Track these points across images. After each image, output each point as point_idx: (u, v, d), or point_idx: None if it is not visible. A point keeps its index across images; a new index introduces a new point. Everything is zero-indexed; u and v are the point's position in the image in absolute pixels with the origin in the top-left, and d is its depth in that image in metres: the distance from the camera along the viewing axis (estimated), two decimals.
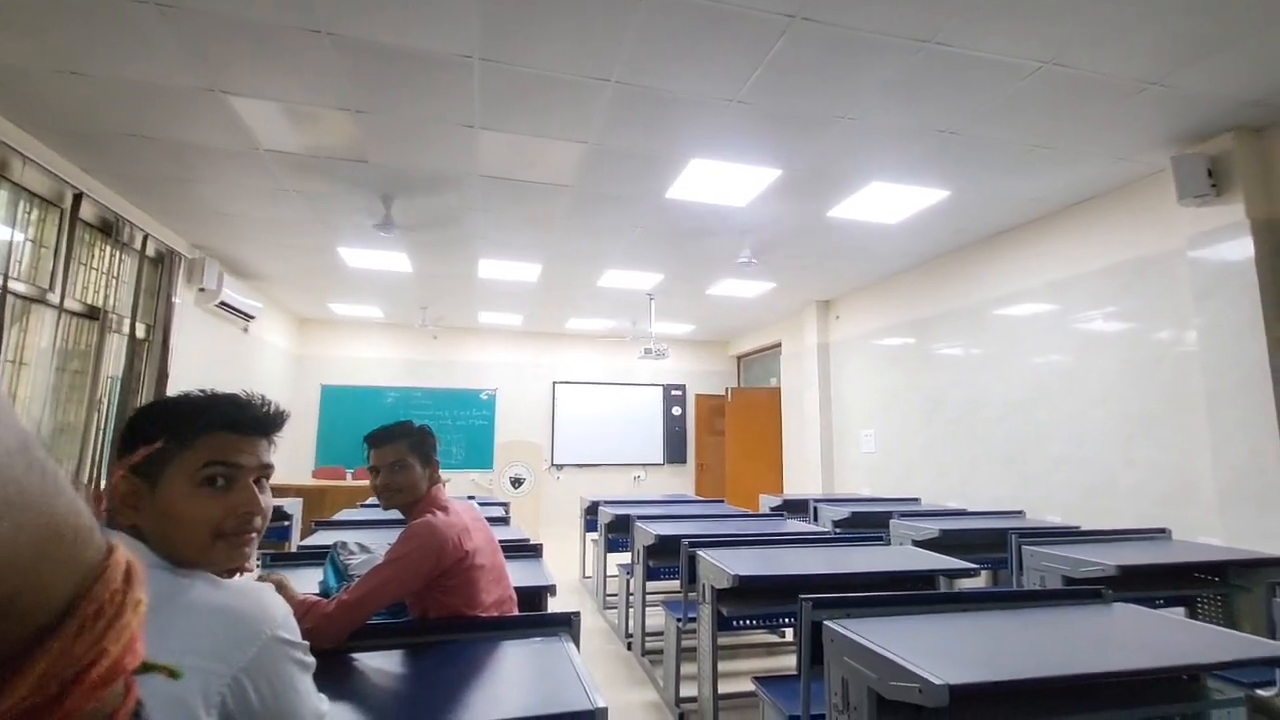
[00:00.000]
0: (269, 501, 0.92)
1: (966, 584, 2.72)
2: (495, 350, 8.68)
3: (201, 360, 5.11)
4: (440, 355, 8.45)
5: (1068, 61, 2.48)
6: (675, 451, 9.04)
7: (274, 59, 2.49)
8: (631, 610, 3.60)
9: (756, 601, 2.39)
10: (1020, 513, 4.05)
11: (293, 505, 4.53)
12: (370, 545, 2.08)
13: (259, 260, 5.36)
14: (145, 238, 4.26)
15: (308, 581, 1.99)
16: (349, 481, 7.13)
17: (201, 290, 5.04)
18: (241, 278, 5.71)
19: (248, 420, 0.89)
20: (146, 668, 0.33)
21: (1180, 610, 2.66)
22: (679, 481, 8.95)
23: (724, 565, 2.27)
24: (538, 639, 1.49)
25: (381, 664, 1.38)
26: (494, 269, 5.54)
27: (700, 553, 2.51)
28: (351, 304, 7.11)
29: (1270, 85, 2.63)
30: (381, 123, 2.99)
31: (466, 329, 8.51)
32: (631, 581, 3.59)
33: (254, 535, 0.88)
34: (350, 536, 2.20)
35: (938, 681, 1.18)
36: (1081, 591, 1.91)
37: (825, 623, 1.59)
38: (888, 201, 3.92)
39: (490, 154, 3.32)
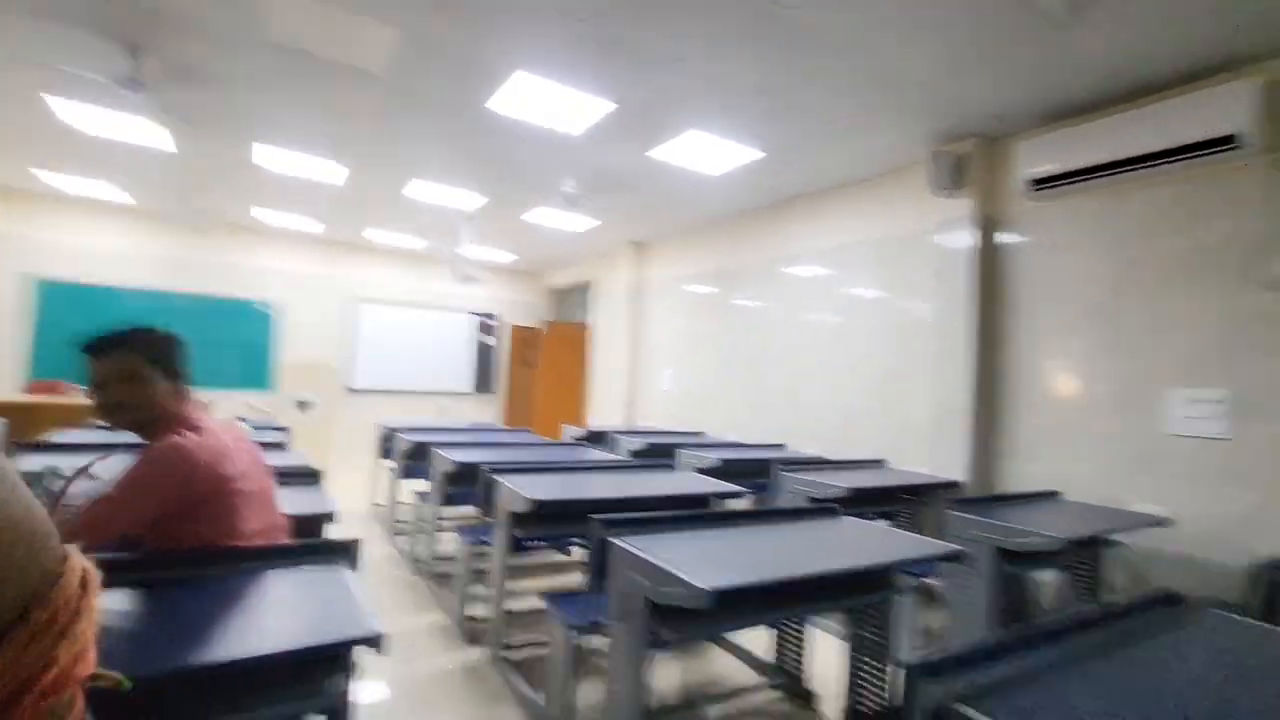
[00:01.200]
0: None
1: (740, 506, 3.10)
2: (282, 256, 7.59)
3: None
4: (211, 256, 7.18)
5: (873, 48, 2.75)
6: (484, 381, 8.86)
7: None
8: (424, 537, 3.54)
9: (551, 524, 2.49)
10: (783, 445, 4.69)
11: None
12: (99, 472, 1.75)
13: None
14: None
15: None
16: (65, 399, 5.87)
17: None
18: None
19: None
20: (95, 678, 0.33)
21: (884, 522, 3.32)
22: (486, 412, 8.83)
23: (521, 490, 2.32)
24: (311, 567, 1.40)
25: (115, 604, 1.19)
26: (278, 159, 4.77)
27: (499, 478, 2.53)
28: (76, 176, 5.64)
29: (1005, 101, 3.19)
30: None
31: (245, 228, 7.30)
32: (426, 508, 3.51)
33: None
34: (69, 461, 1.83)
35: (702, 586, 1.35)
36: (821, 509, 2.29)
37: (610, 539, 1.71)
38: (708, 152, 4.09)
39: (283, 17, 2.79)
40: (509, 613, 2.63)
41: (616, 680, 1.65)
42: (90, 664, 0.32)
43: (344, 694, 1.12)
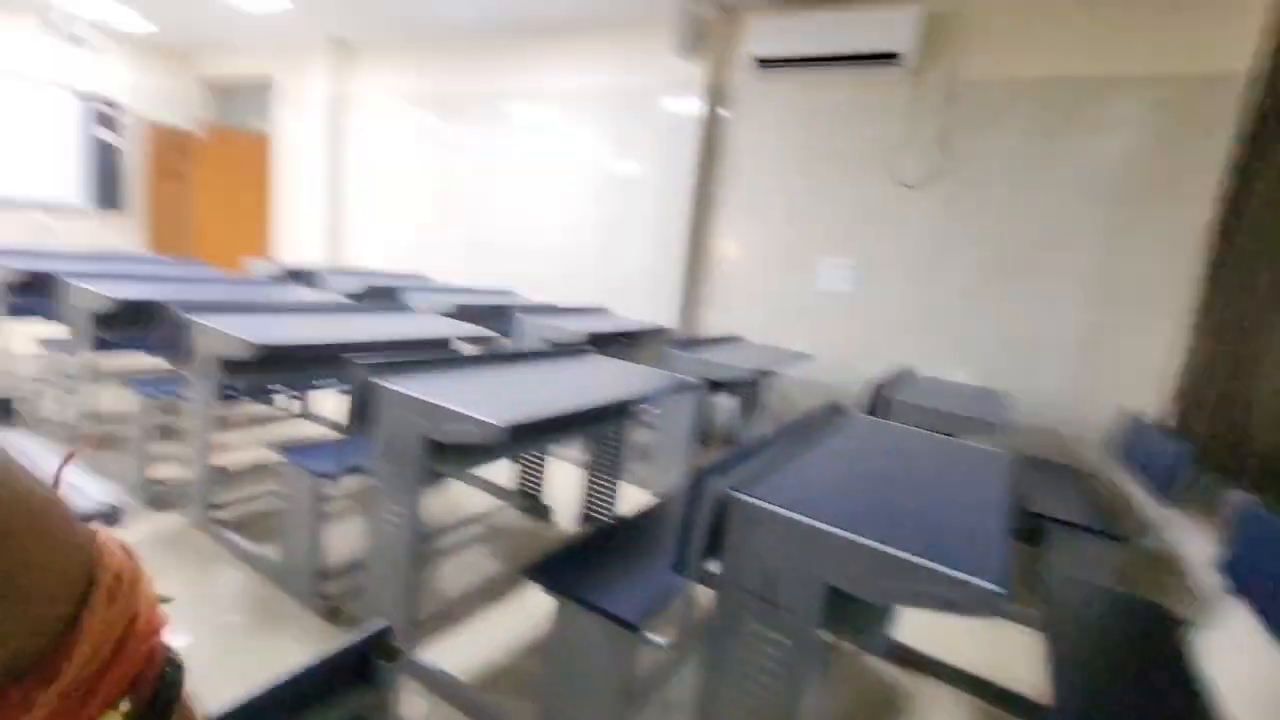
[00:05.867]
0: None
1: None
2: None
3: None
4: None
5: None
6: (106, 195, 6.65)
7: None
8: (72, 397, 2.73)
9: (271, 372, 2.17)
10: (510, 291, 4.74)
11: None
12: None
13: None
14: None
15: None
16: None
17: None
18: None
19: None
20: None
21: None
22: (115, 236, 6.74)
23: (238, 333, 1.94)
24: None
25: None
26: None
27: (200, 319, 2.06)
28: None
29: None
30: None
31: None
32: (69, 361, 2.68)
33: None
34: None
35: (496, 423, 1.37)
36: (574, 349, 2.46)
37: (377, 383, 1.59)
38: None
39: None
40: (213, 470, 2.28)
41: (389, 519, 1.62)
42: (162, 614, 0.35)
43: None
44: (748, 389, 3.69)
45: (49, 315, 2.75)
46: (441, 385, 1.67)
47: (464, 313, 3.55)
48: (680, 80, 3.89)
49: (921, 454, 1.59)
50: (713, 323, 4.07)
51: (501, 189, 4.92)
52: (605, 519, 2.50)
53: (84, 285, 2.41)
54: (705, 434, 3.84)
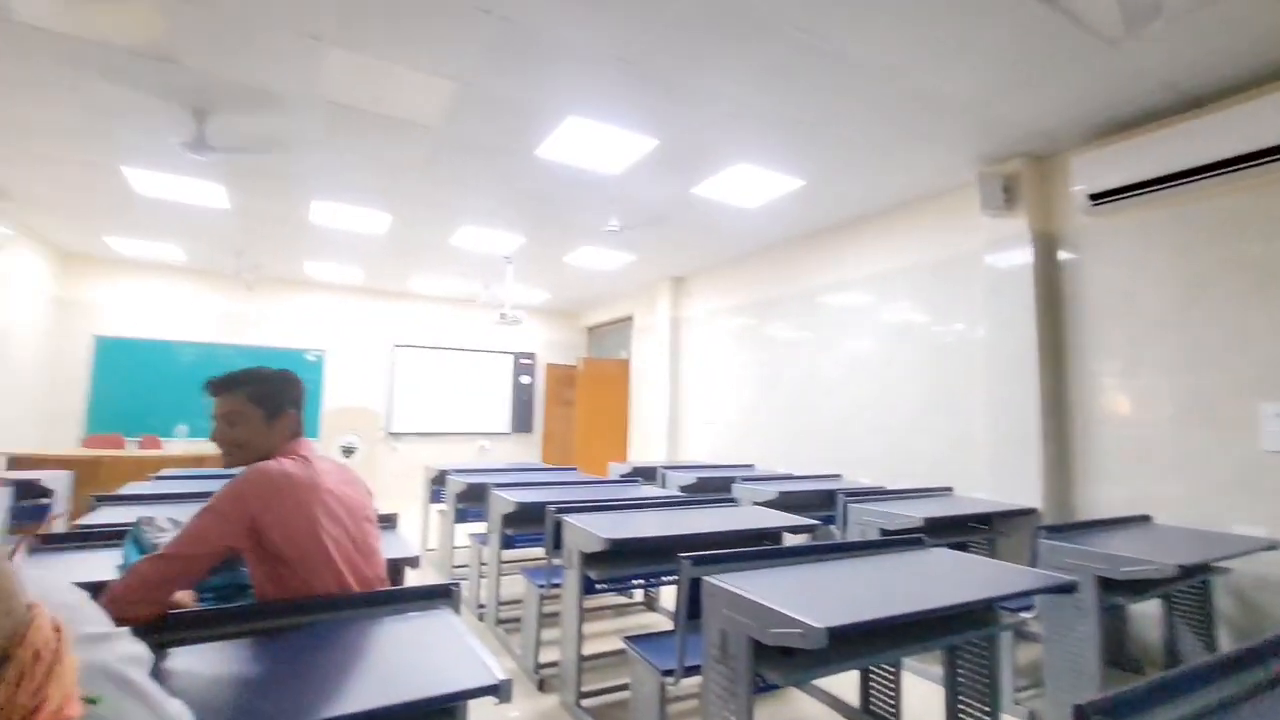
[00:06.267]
0: None
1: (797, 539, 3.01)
2: (326, 306, 7.80)
3: None
4: (255, 308, 7.41)
5: (914, 74, 2.76)
6: (522, 421, 8.88)
7: None
8: (485, 581, 3.49)
9: (621, 563, 2.43)
10: (839, 476, 4.57)
11: (55, 479, 3.73)
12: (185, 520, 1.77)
13: (5, 174, 4.24)
14: None
15: (92, 567, 1.65)
16: (130, 451, 6.03)
17: None
18: None
19: None
20: None
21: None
22: (525, 450, 8.82)
23: (592, 529, 2.27)
24: (415, 613, 1.37)
25: (230, 655, 1.18)
26: (330, 213, 4.94)
27: (566, 518, 2.49)
28: (139, 240, 5.92)
29: (1054, 118, 3.15)
30: (202, 15, 2.47)
31: (291, 281, 7.54)
32: (485, 551, 3.47)
33: None
34: (153, 512, 1.85)
35: (818, 625, 1.28)
36: (905, 540, 2.20)
37: (704, 578, 1.65)
38: (749, 185, 4.12)
39: (339, 76, 2.92)
40: (582, 659, 2.55)
41: None
42: (78, 709, 0.33)
43: None
44: (1180, 590, 2.71)
45: (480, 517, 3.66)
46: (764, 581, 1.65)
47: (788, 500, 3.54)
48: (1000, 236, 3.64)
49: None
50: (1102, 500, 3.23)
51: (822, 374, 5.04)
52: None
53: (498, 493, 3.17)
54: (1122, 654, 2.87)
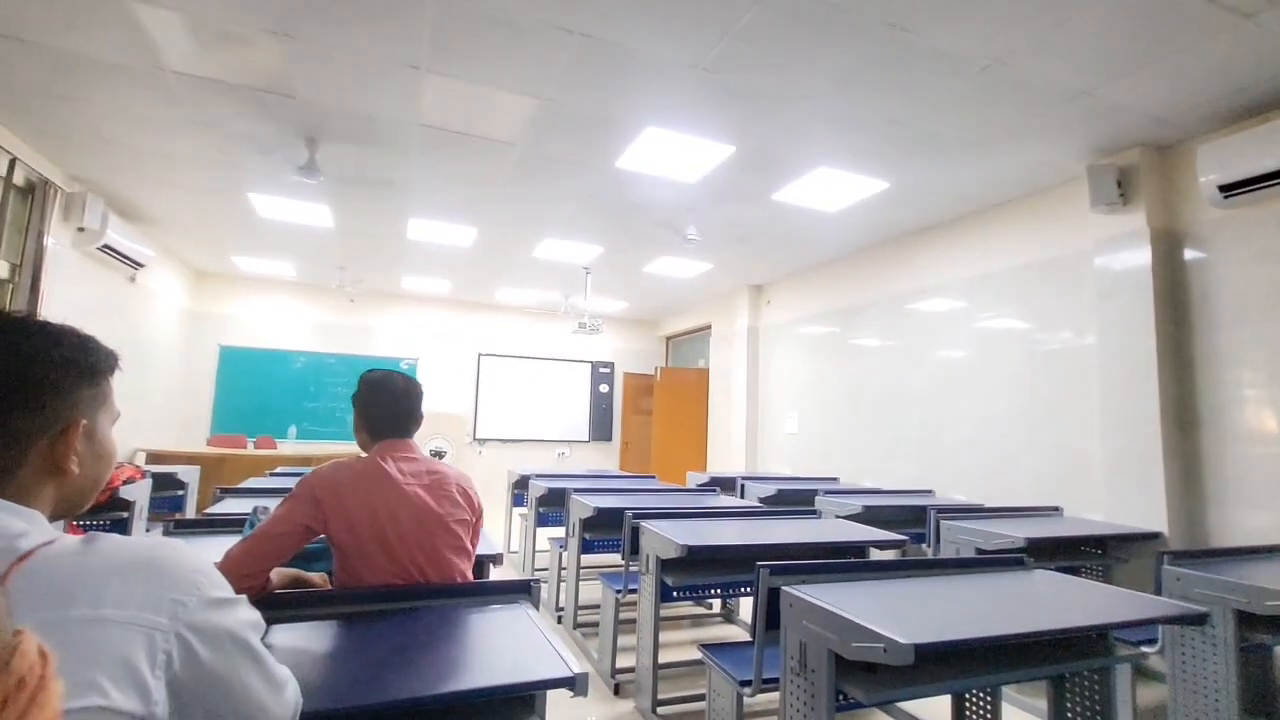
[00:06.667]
0: None
1: (883, 555, 2.86)
2: (417, 317, 8.27)
3: (78, 310, 4.53)
4: (356, 320, 7.96)
5: (1014, 63, 2.60)
6: (601, 429, 9.01)
7: None
8: (564, 584, 3.55)
9: (700, 572, 2.41)
10: (930, 491, 4.32)
11: (188, 473, 4.16)
12: None
13: (152, 201, 4.80)
14: (13, 162, 3.70)
15: (216, 551, 1.82)
16: (250, 451, 6.61)
17: (81, 230, 4.44)
18: (130, 220, 5.09)
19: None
20: None
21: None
22: (603, 458, 8.94)
23: (670, 535, 2.27)
24: (496, 607, 1.41)
25: (321, 634, 1.27)
26: (425, 230, 5.24)
27: (644, 524, 2.50)
28: (259, 258, 6.52)
29: (1175, 103, 2.88)
30: (315, 53, 2.71)
31: (388, 293, 8.06)
32: (564, 555, 3.54)
33: None
34: (270, 503, 2.02)
35: (904, 641, 1.21)
36: (1005, 560, 2.05)
37: (784, 588, 1.61)
38: (830, 189, 4.01)
39: (435, 101, 3.10)
40: (659, 666, 2.54)
41: None
42: None
43: None
44: None
45: (559, 521, 3.74)
46: (846, 594, 1.58)
47: (874, 515, 3.39)
48: (1113, 235, 3.34)
49: None
50: (1241, 525, 2.87)
51: (911, 384, 4.80)
52: None
53: (577, 498, 3.22)
54: (1262, 702, 2.54)
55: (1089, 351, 3.50)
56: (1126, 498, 3.15)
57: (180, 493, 4.03)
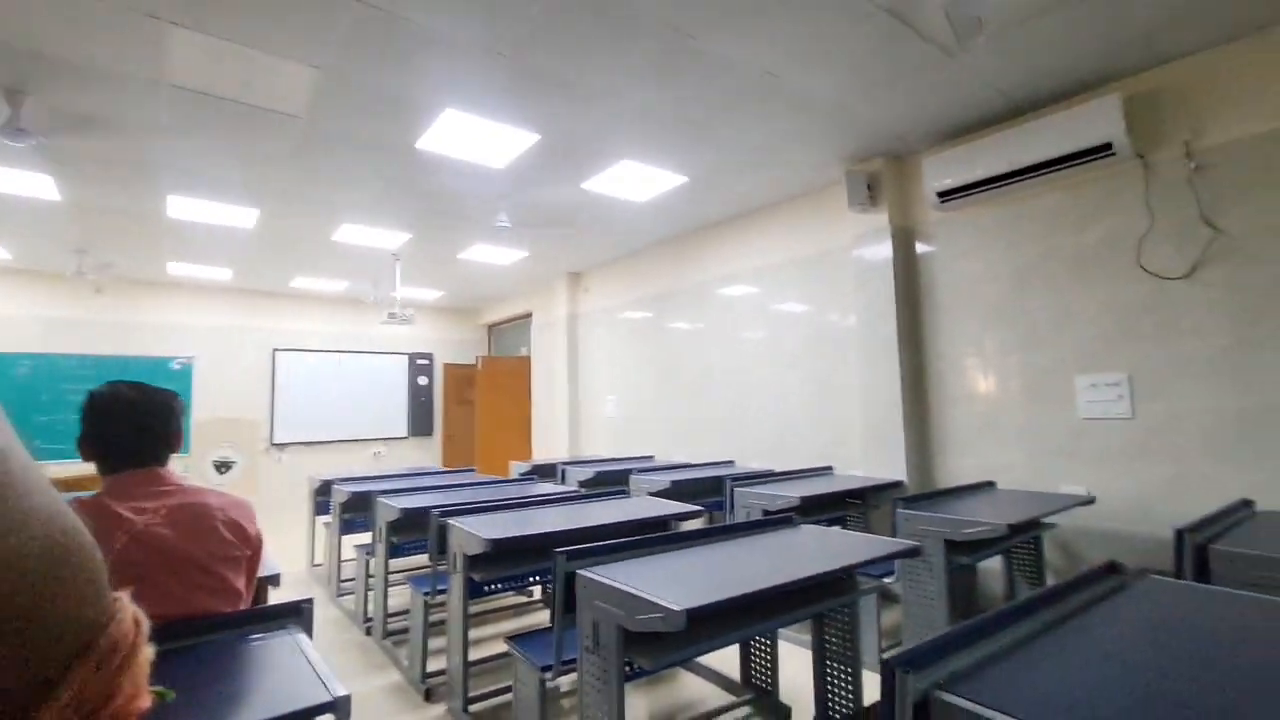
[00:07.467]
0: None
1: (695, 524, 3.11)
2: (192, 310, 7.15)
3: None
4: (107, 314, 6.67)
5: (784, 74, 2.90)
6: (421, 424, 8.56)
7: None
8: (372, 593, 3.34)
9: (509, 564, 2.41)
10: (731, 462, 4.75)
11: None
12: None
13: None
14: None
15: None
16: None
17: None
18: None
19: None
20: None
21: (837, 526, 3.41)
22: (424, 454, 8.51)
23: (475, 531, 2.24)
24: (258, 637, 1.29)
25: None
26: (190, 209, 4.52)
27: (451, 521, 2.44)
28: None
29: (909, 121, 3.42)
30: None
31: (150, 282, 6.85)
32: (372, 562, 3.33)
33: None
34: None
35: (676, 608, 1.33)
36: (777, 520, 2.33)
37: (579, 571, 1.67)
38: (637, 180, 4.18)
39: (186, 59, 2.67)
40: (471, 663, 2.50)
41: (592, 716, 1.60)
42: (147, 699, 0.34)
43: None
44: (1017, 546, 3.04)
45: (367, 527, 3.50)
46: (638, 570, 1.69)
47: (681, 489, 3.64)
48: (865, 231, 3.91)
49: (1262, 634, 1.12)
50: (956, 470, 3.56)
51: (717, 364, 5.20)
52: (845, 713, 2.13)
53: (383, 500, 3.05)
54: (971, 608, 3.18)
55: (852, 332, 4.07)
56: (878, 454, 3.75)
57: None
